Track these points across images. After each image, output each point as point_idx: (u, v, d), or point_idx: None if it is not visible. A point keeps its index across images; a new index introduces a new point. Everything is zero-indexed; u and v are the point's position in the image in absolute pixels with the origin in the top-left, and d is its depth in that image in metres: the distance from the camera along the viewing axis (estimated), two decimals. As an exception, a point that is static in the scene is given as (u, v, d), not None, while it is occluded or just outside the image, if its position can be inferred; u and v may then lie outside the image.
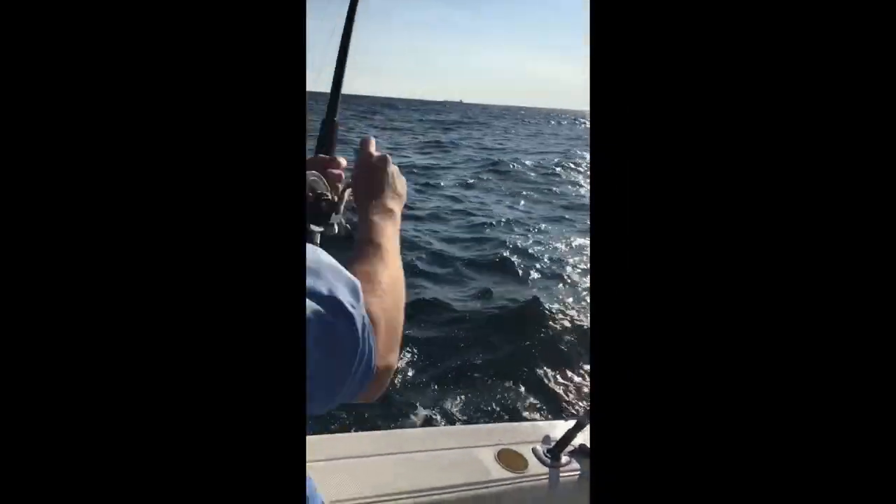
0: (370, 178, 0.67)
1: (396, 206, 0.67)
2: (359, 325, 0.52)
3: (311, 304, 0.50)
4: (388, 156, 0.70)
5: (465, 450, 1.55)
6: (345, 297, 0.52)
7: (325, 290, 0.52)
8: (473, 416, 3.75)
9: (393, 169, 0.69)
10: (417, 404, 3.79)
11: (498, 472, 1.50)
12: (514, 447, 1.61)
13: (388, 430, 1.76)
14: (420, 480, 1.38)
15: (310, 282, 0.51)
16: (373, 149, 0.71)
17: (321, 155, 0.74)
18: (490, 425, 1.95)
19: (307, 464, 0.53)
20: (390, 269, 0.59)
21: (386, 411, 3.59)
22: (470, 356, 4.59)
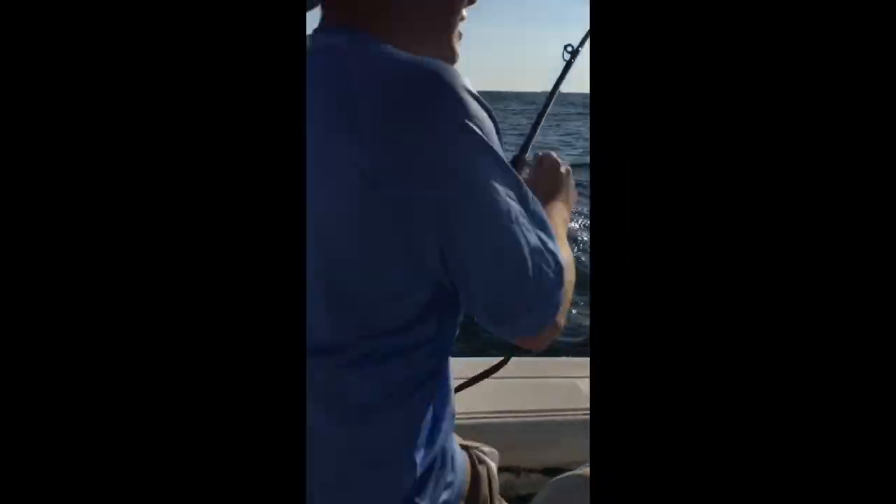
0: (557, 182, 0.77)
1: (570, 210, 0.77)
2: (564, 278, 0.59)
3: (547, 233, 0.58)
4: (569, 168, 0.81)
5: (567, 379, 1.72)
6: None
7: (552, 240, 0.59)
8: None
9: (572, 181, 0.80)
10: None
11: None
12: None
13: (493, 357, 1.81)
14: (525, 403, 1.57)
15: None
16: (559, 159, 0.81)
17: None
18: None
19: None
20: (569, 254, 0.65)
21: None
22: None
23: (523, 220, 0.55)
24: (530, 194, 0.58)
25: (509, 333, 0.61)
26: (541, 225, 0.58)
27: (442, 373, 0.65)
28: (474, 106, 0.52)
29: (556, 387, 1.74)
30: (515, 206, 0.55)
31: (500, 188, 0.53)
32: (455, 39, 0.62)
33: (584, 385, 1.75)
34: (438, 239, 0.54)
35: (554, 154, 0.80)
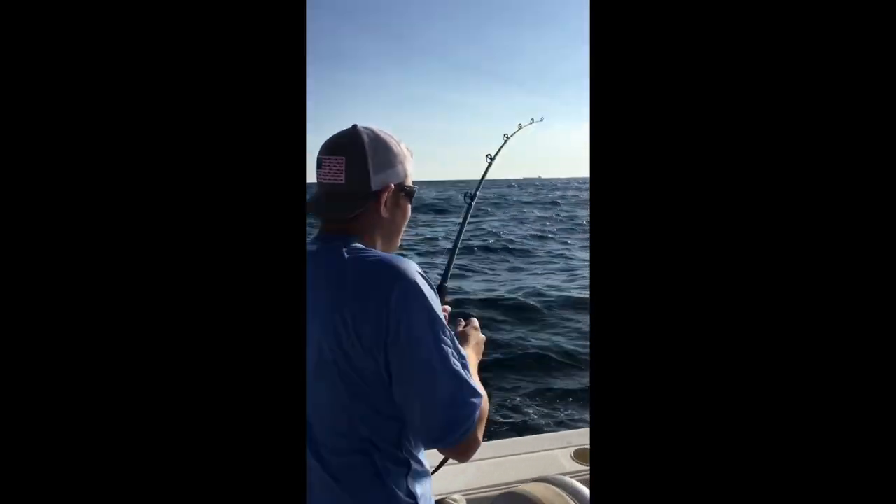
0: (474, 337, 1.10)
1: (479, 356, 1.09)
2: (482, 399, 0.86)
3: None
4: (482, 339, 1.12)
5: (545, 452, 1.91)
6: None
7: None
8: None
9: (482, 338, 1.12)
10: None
11: (573, 466, 1.85)
12: (587, 446, 1.88)
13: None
14: (508, 476, 1.74)
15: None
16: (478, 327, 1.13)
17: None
18: (563, 432, 2.25)
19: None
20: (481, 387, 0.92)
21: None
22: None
23: (453, 360, 0.82)
24: (456, 342, 0.84)
25: (443, 445, 0.83)
26: (463, 364, 0.84)
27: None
28: (423, 283, 0.82)
29: (536, 459, 1.88)
30: (447, 351, 0.82)
31: (437, 339, 0.81)
32: (401, 236, 1.00)
33: (563, 455, 1.89)
34: (393, 372, 0.80)
35: (474, 320, 1.13)
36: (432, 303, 0.83)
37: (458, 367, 0.82)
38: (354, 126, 0.93)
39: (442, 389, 0.80)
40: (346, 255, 0.84)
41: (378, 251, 0.88)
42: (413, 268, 0.84)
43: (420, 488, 0.88)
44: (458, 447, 0.82)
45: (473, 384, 0.83)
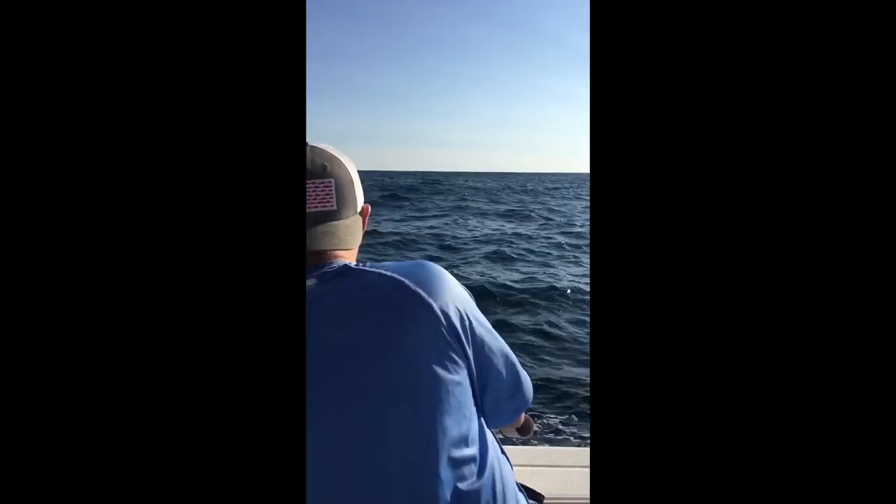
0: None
1: None
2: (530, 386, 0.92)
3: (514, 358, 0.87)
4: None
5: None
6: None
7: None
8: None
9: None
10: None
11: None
12: None
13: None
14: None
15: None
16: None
17: None
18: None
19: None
20: None
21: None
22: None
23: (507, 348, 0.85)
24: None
25: (521, 411, 0.89)
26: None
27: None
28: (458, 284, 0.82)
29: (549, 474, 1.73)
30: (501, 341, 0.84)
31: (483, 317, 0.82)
32: None
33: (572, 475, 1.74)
34: (476, 362, 0.78)
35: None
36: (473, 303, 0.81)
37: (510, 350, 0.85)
38: (316, 146, 0.85)
39: (512, 360, 0.83)
40: (365, 277, 0.75)
41: (387, 262, 0.82)
42: (432, 264, 0.81)
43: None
44: (522, 416, 0.92)
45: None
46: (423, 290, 0.74)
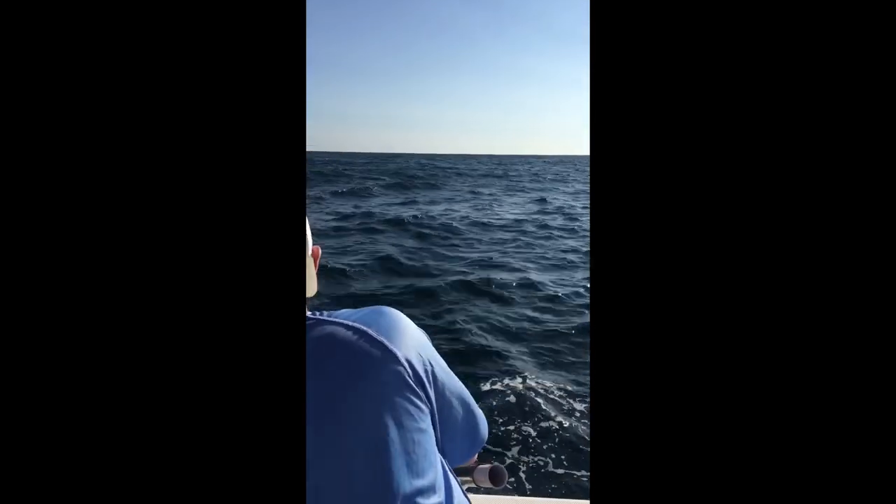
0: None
1: None
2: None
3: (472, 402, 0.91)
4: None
5: None
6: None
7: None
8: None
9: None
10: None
11: None
12: None
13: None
14: None
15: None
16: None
17: None
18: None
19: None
20: None
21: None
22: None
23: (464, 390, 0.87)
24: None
25: (479, 448, 0.93)
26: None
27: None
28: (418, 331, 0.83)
29: None
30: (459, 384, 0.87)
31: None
32: None
33: None
34: (437, 404, 0.79)
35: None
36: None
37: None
38: None
39: (467, 400, 0.87)
40: (327, 328, 0.73)
41: (344, 310, 0.81)
42: (390, 310, 0.82)
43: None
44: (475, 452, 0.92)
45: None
46: (387, 339, 0.74)
